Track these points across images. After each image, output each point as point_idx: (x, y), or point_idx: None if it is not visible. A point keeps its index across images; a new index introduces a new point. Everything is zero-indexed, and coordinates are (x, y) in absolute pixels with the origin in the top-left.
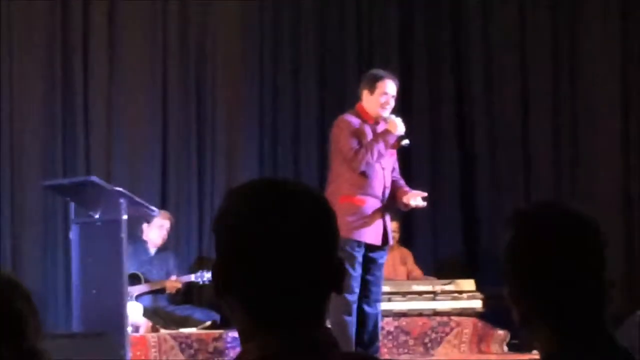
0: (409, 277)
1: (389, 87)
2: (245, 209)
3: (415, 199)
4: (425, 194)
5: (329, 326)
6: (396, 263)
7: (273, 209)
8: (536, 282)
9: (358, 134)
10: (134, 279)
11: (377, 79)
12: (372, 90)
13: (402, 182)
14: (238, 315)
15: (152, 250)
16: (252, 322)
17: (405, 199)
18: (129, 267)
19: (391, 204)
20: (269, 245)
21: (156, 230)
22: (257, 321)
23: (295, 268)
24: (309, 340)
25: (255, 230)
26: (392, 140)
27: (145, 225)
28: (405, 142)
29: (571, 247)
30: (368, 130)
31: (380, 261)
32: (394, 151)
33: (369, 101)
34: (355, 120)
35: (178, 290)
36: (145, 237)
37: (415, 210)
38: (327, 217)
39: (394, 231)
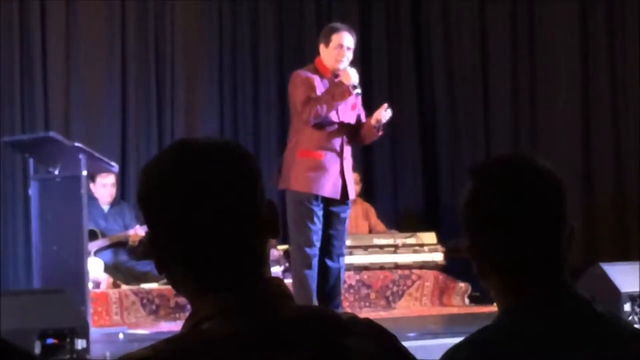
0: (372, 232)
1: (345, 39)
2: (160, 178)
3: (380, 113)
4: (386, 104)
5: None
6: (358, 217)
7: (185, 168)
8: (494, 235)
9: (311, 88)
10: (91, 235)
11: (332, 31)
12: (327, 43)
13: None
14: (184, 281)
15: (105, 208)
16: (199, 284)
17: (374, 117)
18: None
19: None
20: (193, 204)
21: (101, 189)
22: (204, 281)
23: (225, 218)
24: (260, 292)
25: (175, 192)
26: (344, 90)
27: (91, 185)
28: (357, 91)
29: (531, 198)
30: (324, 83)
31: (343, 215)
32: (356, 104)
33: (325, 54)
34: (309, 74)
35: (141, 241)
36: (96, 195)
37: (376, 164)
38: (244, 161)
39: (355, 183)
